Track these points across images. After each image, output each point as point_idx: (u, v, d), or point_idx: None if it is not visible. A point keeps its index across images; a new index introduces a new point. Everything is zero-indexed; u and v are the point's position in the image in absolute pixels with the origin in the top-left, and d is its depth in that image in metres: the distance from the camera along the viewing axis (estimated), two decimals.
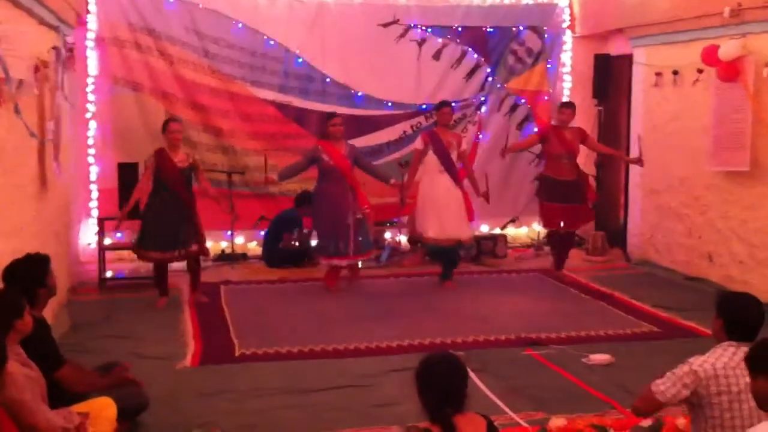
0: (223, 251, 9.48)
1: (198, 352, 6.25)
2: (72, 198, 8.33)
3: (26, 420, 3.46)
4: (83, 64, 8.93)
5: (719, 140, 7.94)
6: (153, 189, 7.45)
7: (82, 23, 8.88)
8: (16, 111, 5.35)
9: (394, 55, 9.93)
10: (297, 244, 9.36)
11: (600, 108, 10.47)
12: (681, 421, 4.52)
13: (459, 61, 10.19)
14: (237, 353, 6.27)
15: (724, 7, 7.63)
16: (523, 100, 10.46)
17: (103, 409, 4.12)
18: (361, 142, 9.57)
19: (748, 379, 3.03)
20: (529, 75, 10.44)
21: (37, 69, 6.04)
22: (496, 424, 3.16)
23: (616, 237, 10.09)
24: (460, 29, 10.14)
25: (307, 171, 8.30)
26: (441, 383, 2.98)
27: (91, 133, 9.24)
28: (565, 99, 10.34)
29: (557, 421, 4.72)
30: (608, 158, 9.78)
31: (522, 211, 10.51)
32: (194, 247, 7.54)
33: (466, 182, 8.39)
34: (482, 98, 10.34)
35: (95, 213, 9.17)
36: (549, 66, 10.47)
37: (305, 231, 9.36)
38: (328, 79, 9.82)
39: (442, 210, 8.12)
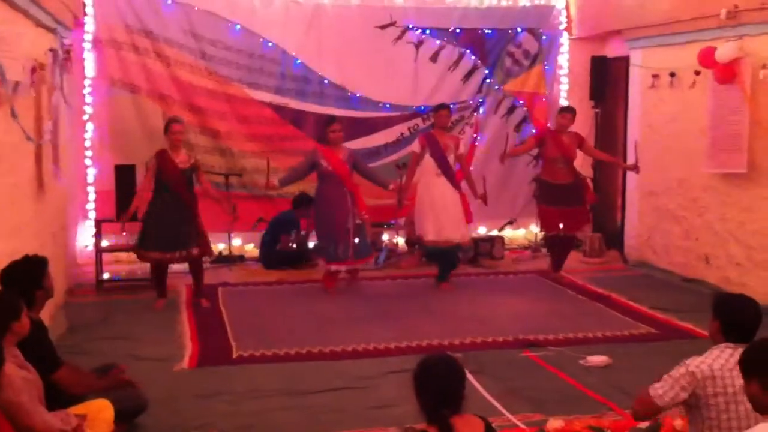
0: (220, 253, 9.48)
1: (195, 354, 6.25)
2: (69, 200, 8.32)
3: (23, 422, 3.46)
4: (80, 66, 8.92)
5: (716, 142, 7.95)
6: (155, 190, 7.45)
7: (79, 25, 8.88)
8: (13, 115, 5.35)
9: (392, 57, 9.93)
10: (294, 245, 9.36)
11: (597, 110, 10.48)
12: (678, 423, 4.52)
13: (456, 63, 10.19)
14: (234, 355, 6.27)
15: (720, 9, 7.64)
16: (520, 102, 10.47)
17: (101, 411, 4.12)
18: (358, 143, 9.60)
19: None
20: (526, 77, 10.45)
21: (34, 71, 6.04)
22: (493, 425, 3.16)
23: (614, 239, 10.09)
24: (457, 31, 10.13)
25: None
26: (438, 385, 2.98)
27: (88, 135, 9.22)
28: (562, 101, 10.39)
29: (555, 423, 4.72)
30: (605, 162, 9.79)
31: (519, 213, 10.52)
32: (195, 251, 7.54)
33: (463, 184, 8.40)
34: (479, 100, 10.34)
35: (92, 215, 9.16)
36: (546, 68, 10.48)
37: (302, 233, 9.37)
38: (325, 81, 9.81)
39: (439, 212, 8.14)
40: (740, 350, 3.08)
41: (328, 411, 5.09)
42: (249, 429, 4.83)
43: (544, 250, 9.68)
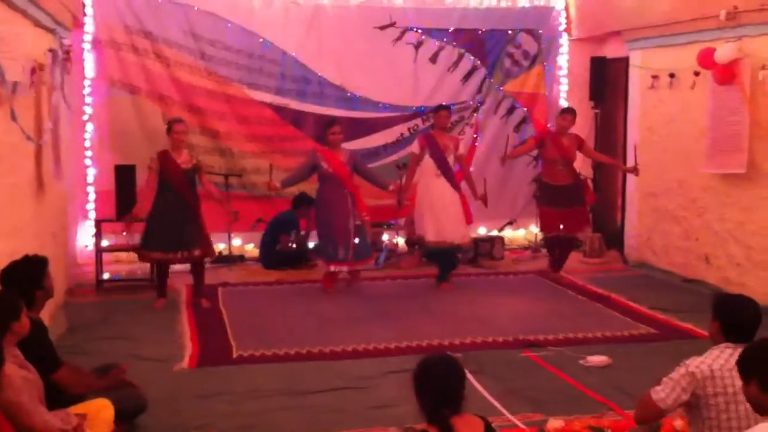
0: (220, 253, 9.47)
1: (195, 354, 6.25)
2: (69, 200, 8.32)
3: (23, 422, 3.46)
4: (80, 66, 8.92)
5: (716, 143, 7.95)
6: (157, 190, 7.45)
7: (79, 26, 8.88)
8: (13, 117, 5.35)
9: (391, 57, 9.94)
10: (294, 245, 9.37)
11: (596, 111, 10.49)
12: (678, 423, 4.52)
13: (456, 63, 10.20)
14: (234, 355, 6.27)
15: (720, 10, 7.64)
16: (520, 104, 10.47)
17: (101, 410, 4.12)
18: (358, 144, 9.61)
19: None
20: (525, 78, 10.46)
21: (33, 71, 6.04)
22: (493, 425, 3.16)
23: (614, 239, 10.09)
24: (456, 32, 10.15)
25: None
26: (438, 385, 2.98)
27: (88, 135, 9.23)
28: (561, 101, 10.39)
29: (555, 423, 4.72)
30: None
31: (519, 214, 10.53)
32: (197, 251, 7.53)
33: (464, 185, 8.40)
34: (479, 101, 10.35)
35: (92, 215, 9.16)
36: (545, 69, 10.48)
37: (302, 233, 9.37)
38: (325, 82, 9.82)
39: (439, 213, 8.14)
40: (740, 350, 3.08)
41: (328, 411, 5.09)
42: (249, 429, 4.83)
43: (544, 250, 9.68)
